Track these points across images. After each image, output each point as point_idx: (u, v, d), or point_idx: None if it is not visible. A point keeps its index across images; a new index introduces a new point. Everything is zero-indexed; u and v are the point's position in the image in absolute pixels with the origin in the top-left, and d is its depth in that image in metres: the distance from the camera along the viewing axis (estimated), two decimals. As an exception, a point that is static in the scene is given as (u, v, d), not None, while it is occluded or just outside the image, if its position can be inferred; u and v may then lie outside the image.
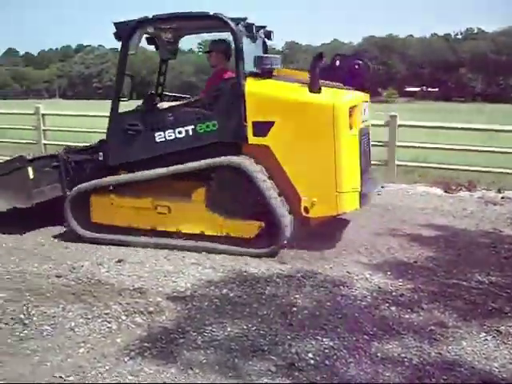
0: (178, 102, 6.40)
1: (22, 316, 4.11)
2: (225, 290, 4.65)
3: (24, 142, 13.33)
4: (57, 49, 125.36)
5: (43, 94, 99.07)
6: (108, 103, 6.35)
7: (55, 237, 6.19)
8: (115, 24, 6.20)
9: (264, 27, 6.55)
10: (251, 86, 5.69)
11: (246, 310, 4.27)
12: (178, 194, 5.88)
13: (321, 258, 5.52)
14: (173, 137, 5.90)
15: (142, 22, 6.09)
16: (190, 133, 5.85)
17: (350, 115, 5.61)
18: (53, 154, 6.84)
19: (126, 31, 6.09)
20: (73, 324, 4.03)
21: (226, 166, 5.67)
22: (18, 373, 3.40)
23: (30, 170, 6.23)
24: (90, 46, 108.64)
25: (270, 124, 5.61)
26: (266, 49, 6.73)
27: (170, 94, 7.42)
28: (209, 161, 5.71)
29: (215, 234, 5.72)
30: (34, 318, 4.09)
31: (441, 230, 6.63)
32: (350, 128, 5.61)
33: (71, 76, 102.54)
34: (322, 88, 5.57)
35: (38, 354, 3.64)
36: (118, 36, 6.20)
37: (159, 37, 6.83)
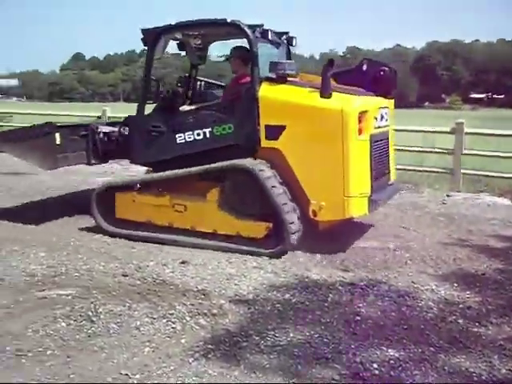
0: (198, 105, 6.71)
1: (89, 313, 4.20)
2: (287, 295, 4.63)
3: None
4: (122, 53, 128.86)
5: (108, 97, 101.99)
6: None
7: (121, 237, 6.32)
8: (142, 30, 6.56)
9: (287, 33, 6.73)
10: (264, 90, 5.87)
11: (309, 317, 4.24)
12: (193, 194, 6.15)
13: (384, 267, 5.43)
14: (192, 138, 6.19)
15: (166, 29, 6.43)
16: (208, 135, 6.11)
17: (360, 121, 5.63)
18: (82, 123, 7.25)
19: (151, 37, 6.45)
20: (138, 323, 4.09)
21: (233, 168, 5.87)
22: (86, 368, 3.48)
23: (58, 136, 6.55)
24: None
25: (282, 128, 5.76)
26: (289, 54, 6.85)
27: (203, 78, 7.65)
28: (218, 163, 5.92)
29: (227, 233, 5.90)
30: (101, 316, 4.17)
31: (509, 242, 6.40)
32: (360, 133, 5.64)
33: (135, 80, 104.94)
34: (334, 93, 5.64)
35: (105, 350, 3.71)
36: (144, 41, 6.55)
37: (188, 43, 7.15)
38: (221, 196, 5.97)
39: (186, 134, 6.20)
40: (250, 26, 5.96)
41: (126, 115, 7.05)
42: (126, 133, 6.79)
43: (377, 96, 6.26)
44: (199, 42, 7.23)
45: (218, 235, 5.95)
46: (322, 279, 5.03)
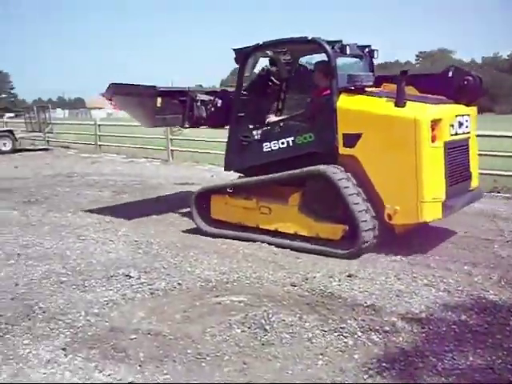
0: (283, 116, 7.30)
1: (262, 321, 4.29)
2: (463, 317, 4.38)
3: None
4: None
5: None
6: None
7: (285, 247, 6.41)
8: (234, 50, 7.19)
9: (369, 46, 7.02)
10: (342, 101, 6.21)
11: (489, 341, 3.97)
12: (277, 198, 6.67)
13: None
14: (277, 147, 6.68)
15: (255, 48, 7.00)
16: (291, 144, 6.57)
17: (433, 128, 5.79)
18: (182, 89, 7.74)
19: (242, 56, 7.05)
20: (310, 335, 4.11)
21: (313, 174, 6.27)
22: (262, 378, 3.55)
23: (159, 100, 7.22)
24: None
25: (358, 136, 6.07)
26: (372, 66, 7.10)
27: (302, 63, 8.00)
28: (299, 170, 6.35)
29: (307, 234, 6.35)
30: (274, 325, 4.23)
31: None
32: (433, 141, 5.80)
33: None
34: (409, 102, 5.85)
35: (279, 360, 3.77)
36: (237, 60, 7.16)
37: (278, 59, 7.64)
38: (301, 200, 6.44)
39: (272, 142, 6.71)
40: (328, 42, 6.31)
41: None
42: (219, 104, 7.69)
43: (458, 104, 6.40)
44: (288, 57, 7.73)
45: (298, 236, 6.41)
46: (502, 301, 4.70)
